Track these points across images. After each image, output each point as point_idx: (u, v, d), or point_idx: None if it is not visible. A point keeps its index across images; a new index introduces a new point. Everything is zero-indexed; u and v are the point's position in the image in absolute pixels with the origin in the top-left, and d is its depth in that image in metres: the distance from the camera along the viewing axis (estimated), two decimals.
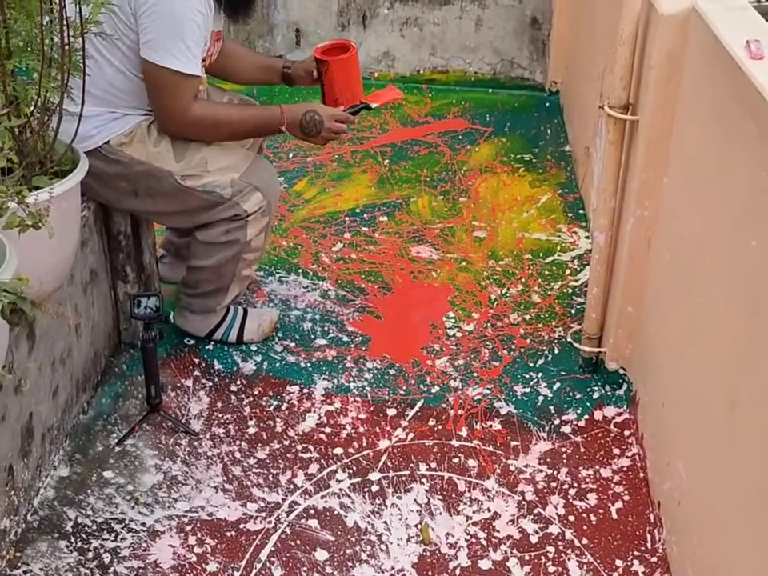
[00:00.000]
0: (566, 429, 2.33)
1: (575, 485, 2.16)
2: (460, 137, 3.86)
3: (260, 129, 2.45)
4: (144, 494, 2.12)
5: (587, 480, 2.17)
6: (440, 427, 2.33)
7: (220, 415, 2.35)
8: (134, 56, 2.20)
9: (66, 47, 1.71)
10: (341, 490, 2.14)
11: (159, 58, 2.15)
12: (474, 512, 2.09)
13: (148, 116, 2.30)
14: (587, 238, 3.13)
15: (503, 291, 2.86)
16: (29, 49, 1.73)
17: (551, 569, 1.95)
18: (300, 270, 2.94)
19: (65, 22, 1.68)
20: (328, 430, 2.32)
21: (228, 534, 2.03)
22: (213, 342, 2.60)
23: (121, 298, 2.52)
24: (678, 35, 1.97)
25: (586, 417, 2.37)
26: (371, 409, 2.39)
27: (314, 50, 2.52)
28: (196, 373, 2.50)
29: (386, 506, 2.10)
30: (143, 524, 2.04)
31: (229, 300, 2.54)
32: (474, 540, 2.02)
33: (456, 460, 2.23)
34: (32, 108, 1.75)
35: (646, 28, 2.09)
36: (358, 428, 2.32)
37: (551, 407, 2.40)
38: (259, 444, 2.27)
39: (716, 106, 1.78)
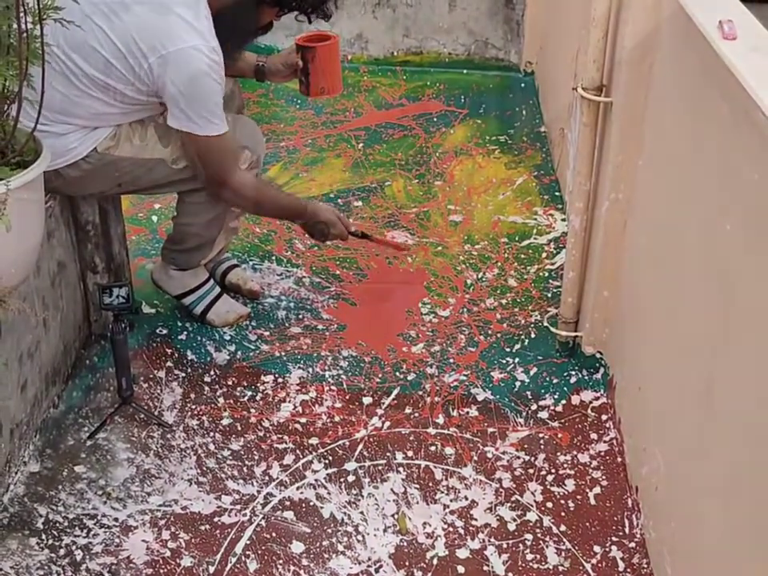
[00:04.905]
0: (544, 414, 2.31)
1: (553, 471, 2.15)
2: (435, 119, 3.83)
3: (287, 213, 2.60)
4: (116, 488, 2.08)
5: (565, 466, 2.16)
6: (416, 415, 2.31)
7: (193, 406, 2.32)
8: (132, 92, 2.14)
9: (24, 34, 1.66)
10: (316, 480, 2.12)
11: (199, 129, 2.16)
12: (451, 500, 2.07)
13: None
14: (563, 220, 3.11)
15: (479, 276, 2.84)
16: None
17: (529, 556, 1.94)
18: (274, 257, 2.91)
19: (22, 8, 1.63)
20: (303, 420, 2.29)
21: (202, 527, 2.00)
22: (185, 333, 2.57)
23: (90, 289, 2.47)
24: (651, 16, 1.95)
25: (564, 402, 2.35)
26: (347, 397, 2.36)
27: (297, 39, 2.49)
28: (168, 364, 2.46)
29: (362, 497, 2.08)
30: (116, 519, 2.01)
31: (214, 254, 2.57)
32: (451, 529, 2.00)
33: (433, 448, 2.21)
34: None
35: (619, 8, 2.06)
36: (333, 417, 2.30)
37: (528, 392, 2.39)
38: (233, 435, 2.24)
39: (689, 87, 1.76)
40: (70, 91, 2.12)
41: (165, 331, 2.58)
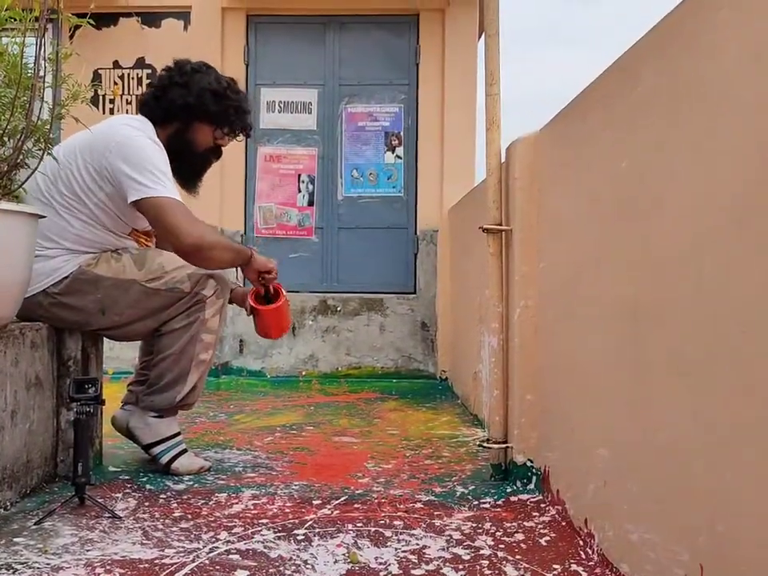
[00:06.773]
0: (486, 505, 1.87)
1: (501, 530, 1.67)
2: (372, 399, 3.64)
3: (235, 256, 2.10)
4: (55, 548, 1.54)
5: (511, 529, 1.69)
6: (365, 507, 1.84)
7: (147, 508, 1.82)
8: (100, 212, 2.05)
9: (30, 111, 1.61)
10: (265, 539, 1.60)
11: (151, 190, 1.93)
12: (402, 546, 1.56)
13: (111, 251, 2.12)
14: (483, 432, 2.82)
15: (417, 452, 2.48)
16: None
17: (487, 572, 1.42)
18: (234, 447, 2.52)
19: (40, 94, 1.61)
20: (255, 511, 1.80)
21: (141, 566, 1.45)
22: (147, 477, 2.11)
23: (62, 427, 2.07)
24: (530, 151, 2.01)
25: (503, 499, 1.92)
26: (297, 501, 1.89)
27: (250, 294, 2.27)
28: (126, 490, 1.98)
29: (311, 546, 1.56)
30: (47, 564, 1.45)
31: (188, 388, 2.13)
32: (404, 560, 1.48)
33: (382, 522, 1.73)
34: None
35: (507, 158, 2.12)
36: (284, 509, 1.82)
37: (470, 496, 1.95)
38: (183, 521, 1.73)
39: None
40: (59, 221, 2.01)
41: (127, 477, 2.12)
